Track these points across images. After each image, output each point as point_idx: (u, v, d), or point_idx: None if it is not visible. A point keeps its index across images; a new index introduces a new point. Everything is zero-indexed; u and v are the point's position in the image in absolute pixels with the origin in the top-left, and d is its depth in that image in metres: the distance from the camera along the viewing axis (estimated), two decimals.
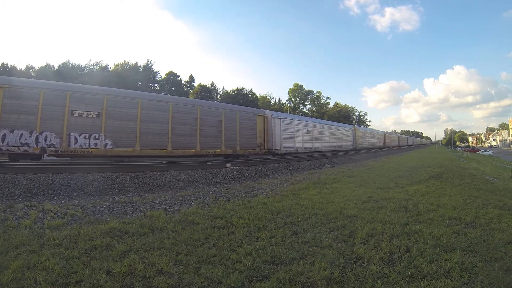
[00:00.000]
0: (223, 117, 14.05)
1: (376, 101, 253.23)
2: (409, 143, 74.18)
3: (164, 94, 44.36)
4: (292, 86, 73.66)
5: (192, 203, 5.57)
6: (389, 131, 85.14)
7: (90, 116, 10.07)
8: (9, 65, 41.15)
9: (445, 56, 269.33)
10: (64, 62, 45.84)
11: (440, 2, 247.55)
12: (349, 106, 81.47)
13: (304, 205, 5.23)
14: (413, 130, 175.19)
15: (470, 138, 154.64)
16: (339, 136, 27.34)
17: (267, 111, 18.35)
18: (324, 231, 3.74)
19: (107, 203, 5.35)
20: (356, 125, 40.52)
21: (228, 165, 12.43)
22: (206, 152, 13.07)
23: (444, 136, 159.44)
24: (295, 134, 19.35)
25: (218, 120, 13.84)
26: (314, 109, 73.33)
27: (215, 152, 13.43)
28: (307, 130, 21.23)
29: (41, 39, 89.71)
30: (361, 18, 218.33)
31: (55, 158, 10.95)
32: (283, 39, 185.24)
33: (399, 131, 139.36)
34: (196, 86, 58.00)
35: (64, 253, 2.88)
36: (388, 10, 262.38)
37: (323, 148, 23.61)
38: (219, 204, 5.38)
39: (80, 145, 9.83)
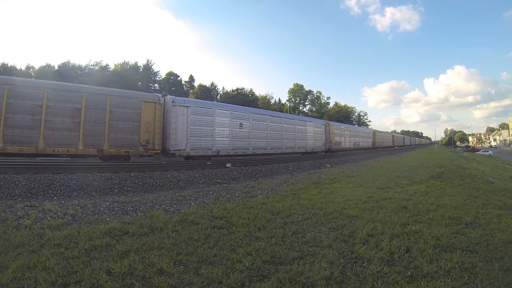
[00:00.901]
0: (84, 103, 10.47)
1: (376, 101, 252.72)
2: (406, 143, 68.30)
3: (163, 93, 44.23)
4: (292, 86, 73.74)
5: (192, 203, 5.57)
6: (389, 131, 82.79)
7: None
8: (9, 65, 41.16)
9: (445, 56, 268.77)
10: (64, 62, 45.76)
11: (441, 2, 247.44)
12: (349, 106, 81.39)
13: (304, 205, 5.23)
14: (413, 130, 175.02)
15: (470, 138, 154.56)
16: (301, 133, 20.56)
17: (167, 96, 13.17)
18: (324, 231, 3.75)
19: (107, 203, 5.36)
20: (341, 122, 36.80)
21: (228, 165, 12.44)
22: (54, 151, 10.00)
23: (444, 136, 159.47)
24: (216, 129, 13.86)
25: (76, 108, 10.36)
26: (314, 109, 73.33)
27: (67, 151, 10.21)
28: (240, 124, 15.16)
29: (41, 39, 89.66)
30: (361, 18, 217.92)
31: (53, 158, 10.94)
32: (284, 39, 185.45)
33: (399, 131, 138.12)
34: (196, 86, 58.01)
35: (64, 253, 2.88)
36: (389, 10, 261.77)
37: (270, 149, 17.19)
38: (219, 204, 5.38)
39: None
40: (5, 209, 4.62)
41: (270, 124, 17.54)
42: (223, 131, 14.46)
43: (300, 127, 20.72)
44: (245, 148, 15.58)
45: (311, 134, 22.08)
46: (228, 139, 14.64)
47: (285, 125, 18.92)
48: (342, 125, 32.19)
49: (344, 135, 29.46)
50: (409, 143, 74.93)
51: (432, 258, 2.86)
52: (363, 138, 36.28)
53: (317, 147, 22.96)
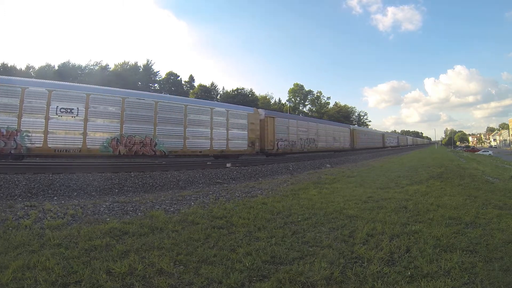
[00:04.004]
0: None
1: (377, 101, 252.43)
2: (389, 144, 47.70)
3: (164, 94, 44.31)
4: (292, 86, 73.70)
5: (192, 203, 5.57)
6: (389, 131, 74.84)
7: None
8: (9, 65, 41.16)
9: (446, 56, 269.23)
10: (64, 62, 45.88)
11: (443, 2, 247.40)
12: (349, 106, 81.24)
13: (304, 205, 5.23)
14: (413, 130, 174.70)
15: (470, 138, 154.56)
16: None
17: None
18: (324, 231, 3.75)
19: (107, 203, 5.35)
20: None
21: (228, 165, 12.43)
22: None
23: (444, 136, 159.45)
24: None
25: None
26: (314, 109, 73.32)
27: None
28: None
29: (41, 39, 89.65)
30: (363, 18, 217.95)
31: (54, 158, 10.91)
32: (285, 40, 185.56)
33: (399, 131, 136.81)
34: (196, 86, 58.03)
35: (64, 253, 2.88)
36: (391, 10, 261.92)
37: None
38: (219, 204, 5.38)
39: None
40: (5, 209, 4.62)
41: None
42: None
43: None
44: None
45: None
46: None
47: None
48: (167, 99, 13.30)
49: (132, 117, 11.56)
50: (396, 142, 54.40)
51: (432, 258, 2.86)
52: (244, 130, 15.40)
53: None
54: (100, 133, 10.79)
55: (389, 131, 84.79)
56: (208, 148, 13.56)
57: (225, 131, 14.46)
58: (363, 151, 30.89)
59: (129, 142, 11.36)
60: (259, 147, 16.42)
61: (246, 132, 15.47)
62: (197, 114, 13.46)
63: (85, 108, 10.51)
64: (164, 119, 12.34)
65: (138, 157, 12.06)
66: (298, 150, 20.21)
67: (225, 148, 14.29)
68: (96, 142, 10.65)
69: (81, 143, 10.33)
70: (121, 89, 12.40)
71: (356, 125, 54.34)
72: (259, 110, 17.72)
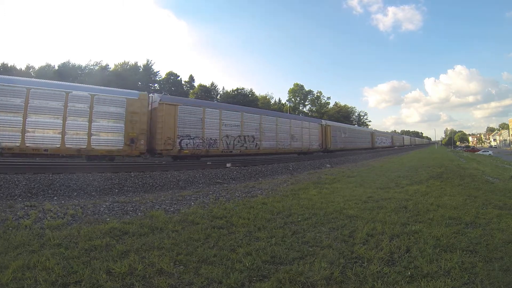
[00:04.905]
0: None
1: (377, 101, 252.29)
2: (380, 145, 39.85)
3: (164, 94, 44.26)
4: (292, 86, 73.65)
5: (192, 203, 5.57)
6: (389, 131, 73.00)
7: None
8: (9, 65, 41.16)
9: (446, 56, 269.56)
10: (64, 62, 45.86)
11: (443, 2, 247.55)
12: (349, 106, 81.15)
13: (304, 205, 5.23)
14: (413, 130, 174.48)
15: (470, 138, 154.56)
16: None
17: None
18: (324, 231, 3.75)
19: (107, 203, 5.35)
20: None
21: (228, 165, 12.43)
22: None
23: (444, 136, 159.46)
24: None
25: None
26: (314, 109, 73.29)
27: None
28: None
29: (41, 39, 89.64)
30: (363, 18, 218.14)
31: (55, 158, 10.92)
32: (285, 39, 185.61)
33: (399, 131, 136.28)
34: (196, 86, 58.03)
35: (64, 253, 2.88)
36: (391, 10, 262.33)
37: None
38: (219, 204, 5.38)
39: None
40: (5, 209, 4.62)
41: None
42: None
43: None
44: None
45: None
46: None
47: None
48: None
49: None
50: (390, 143, 46.51)
51: (432, 258, 2.86)
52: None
53: None
54: None
55: (389, 131, 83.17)
56: (58, 146, 9.85)
57: (87, 123, 10.40)
58: (352, 152, 26.33)
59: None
60: (146, 146, 11.74)
61: (123, 125, 11.12)
62: (44, 99, 9.78)
63: None
64: None
65: None
66: (222, 152, 14.44)
67: (85, 146, 10.31)
68: None
69: None
70: None
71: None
72: (154, 95, 13.25)
